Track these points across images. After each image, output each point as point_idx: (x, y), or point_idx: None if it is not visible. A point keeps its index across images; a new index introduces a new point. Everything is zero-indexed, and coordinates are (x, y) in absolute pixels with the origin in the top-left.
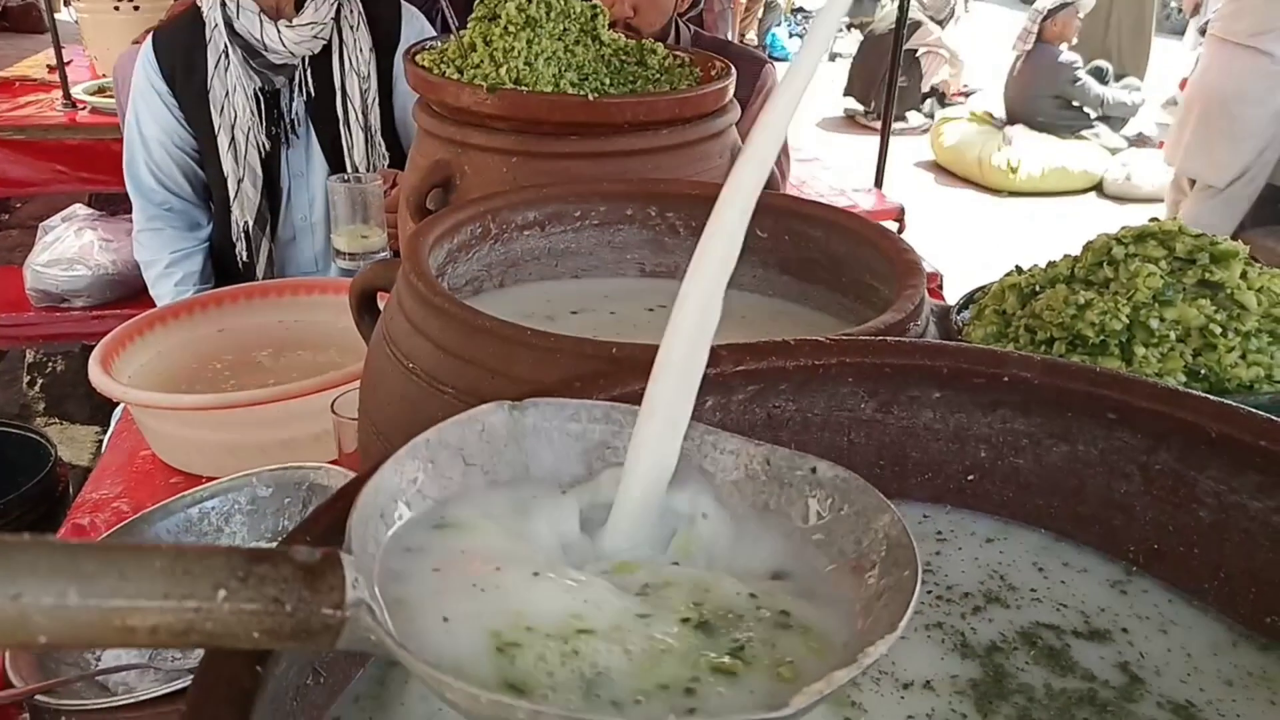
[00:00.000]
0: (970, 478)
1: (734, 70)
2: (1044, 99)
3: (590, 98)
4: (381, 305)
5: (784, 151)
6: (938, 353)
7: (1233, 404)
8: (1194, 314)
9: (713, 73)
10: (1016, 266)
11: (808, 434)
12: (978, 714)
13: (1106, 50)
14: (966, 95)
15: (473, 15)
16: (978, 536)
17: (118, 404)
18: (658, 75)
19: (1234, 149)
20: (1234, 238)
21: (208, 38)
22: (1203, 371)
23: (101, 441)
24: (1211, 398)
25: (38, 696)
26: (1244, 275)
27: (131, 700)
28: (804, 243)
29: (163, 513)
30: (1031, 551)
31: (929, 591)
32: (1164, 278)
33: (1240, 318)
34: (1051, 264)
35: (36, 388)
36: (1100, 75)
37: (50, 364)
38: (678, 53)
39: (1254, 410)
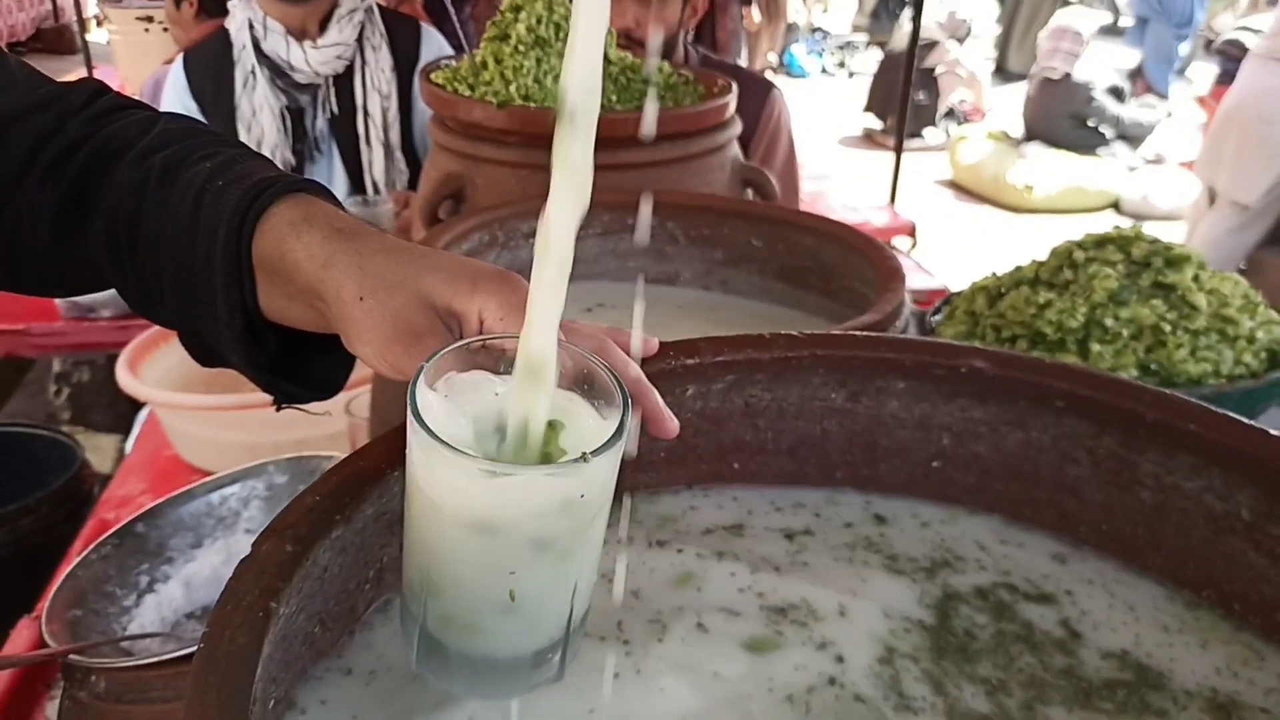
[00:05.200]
0: (935, 464)
1: (735, 87)
2: (1061, 118)
3: None
4: None
5: (788, 176)
6: (902, 346)
7: (1167, 392)
8: (1147, 313)
9: (715, 90)
10: (993, 273)
11: (783, 422)
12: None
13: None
14: (983, 114)
15: (485, 35)
16: (917, 519)
17: (138, 413)
18: (662, 93)
19: (1266, 166)
20: (1250, 257)
21: (236, 58)
22: (1153, 366)
23: (123, 449)
24: (1149, 386)
25: (71, 657)
26: (1196, 279)
27: (155, 660)
28: (797, 251)
29: (186, 498)
30: (970, 532)
31: (876, 551)
32: (1120, 280)
33: (1190, 317)
34: (1018, 268)
35: (63, 397)
36: (1117, 95)
37: (76, 374)
38: (682, 71)
39: (1186, 398)
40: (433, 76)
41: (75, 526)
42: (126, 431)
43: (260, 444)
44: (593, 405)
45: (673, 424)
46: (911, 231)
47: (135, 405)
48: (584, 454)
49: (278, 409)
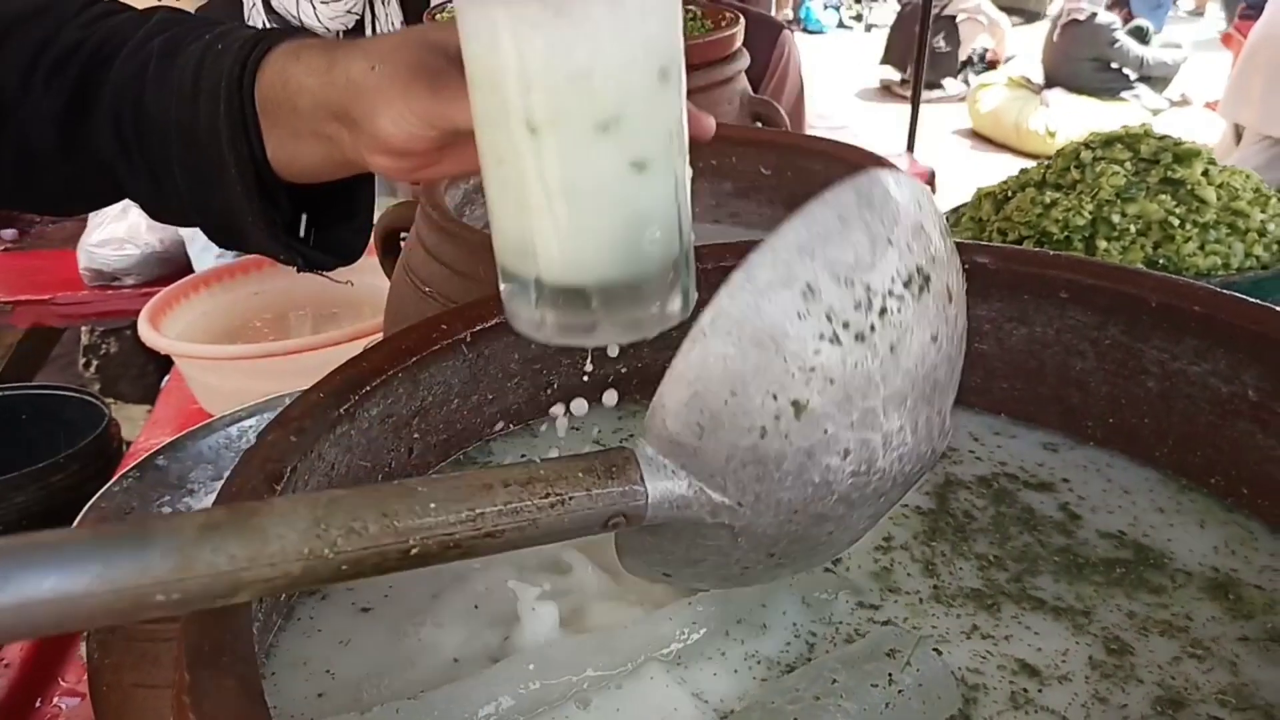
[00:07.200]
0: None
1: (742, 19)
2: (1082, 62)
3: None
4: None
5: (797, 118)
6: None
7: (1170, 276)
8: (1154, 208)
9: (722, 23)
10: (999, 183)
11: None
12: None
13: None
14: (1000, 62)
15: None
16: None
17: (163, 381)
18: None
19: None
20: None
21: (246, 16)
22: (1161, 261)
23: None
24: (1152, 272)
25: None
26: (1205, 173)
27: None
28: (806, 178)
29: (205, 431)
30: (963, 424)
31: None
32: (1128, 177)
33: (1199, 210)
34: (1024, 171)
35: (92, 369)
36: (1140, 35)
37: (104, 346)
38: (689, 6)
39: (1190, 280)
40: (438, 17)
41: (102, 483)
42: (154, 402)
43: (280, 392)
44: None
45: (709, 120)
46: (930, 179)
47: (162, 374)
48: None
49: (299, 272)
